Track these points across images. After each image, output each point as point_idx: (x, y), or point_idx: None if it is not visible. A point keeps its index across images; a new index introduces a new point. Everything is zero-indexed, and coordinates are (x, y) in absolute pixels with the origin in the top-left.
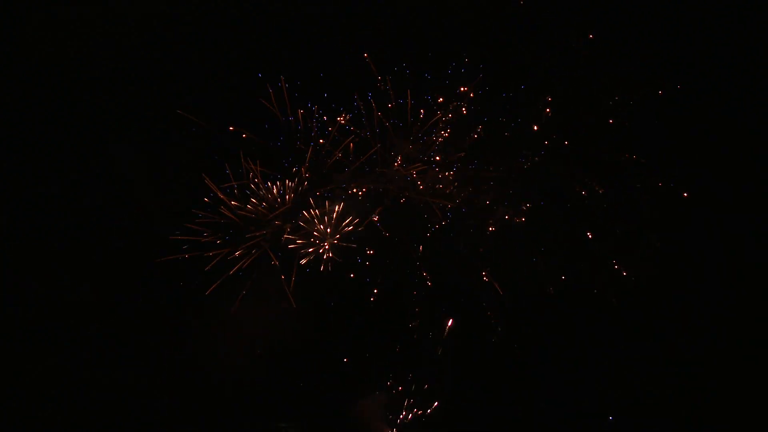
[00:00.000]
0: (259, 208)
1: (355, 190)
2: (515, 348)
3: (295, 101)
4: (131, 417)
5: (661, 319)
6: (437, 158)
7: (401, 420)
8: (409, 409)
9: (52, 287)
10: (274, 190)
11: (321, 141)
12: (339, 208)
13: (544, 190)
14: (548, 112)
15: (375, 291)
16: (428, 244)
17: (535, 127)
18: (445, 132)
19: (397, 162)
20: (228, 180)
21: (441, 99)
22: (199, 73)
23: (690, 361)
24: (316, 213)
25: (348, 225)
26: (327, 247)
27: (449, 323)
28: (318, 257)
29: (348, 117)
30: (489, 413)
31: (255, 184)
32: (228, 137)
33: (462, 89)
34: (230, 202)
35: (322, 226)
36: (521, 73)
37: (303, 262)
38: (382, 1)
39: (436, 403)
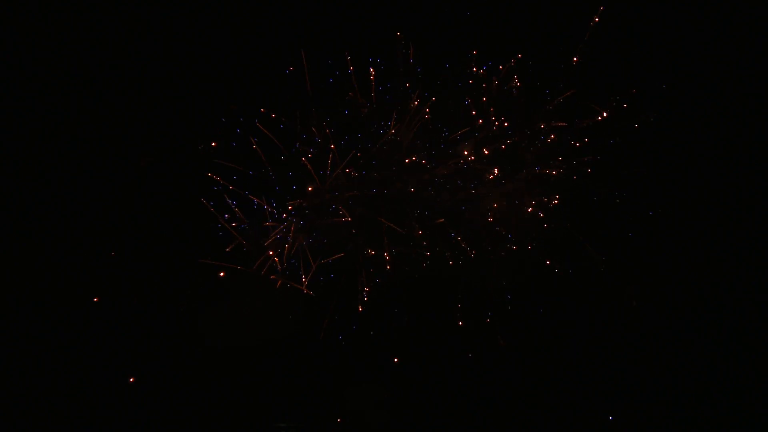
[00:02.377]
0: None
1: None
2: (516, 347)
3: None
4: (130, 417)
5: (660, 318)
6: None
7: (400, 418)
8: (408, 407)
9: (49, 285)
10: None
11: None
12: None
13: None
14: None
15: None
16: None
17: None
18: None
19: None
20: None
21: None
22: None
23: (690, 361)
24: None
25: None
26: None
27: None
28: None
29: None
30: (488, 412)
31: None
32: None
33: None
34: None
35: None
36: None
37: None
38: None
39: (435, 401)
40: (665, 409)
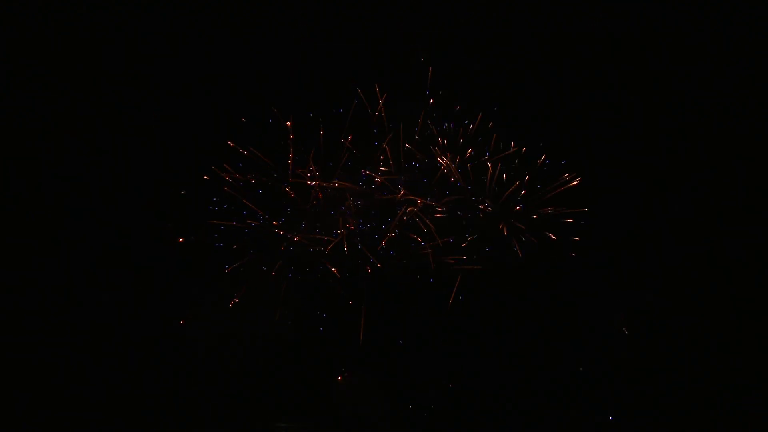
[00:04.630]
0: None
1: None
2: (515, 346)
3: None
4: (130, 418)
5: (660, 318)
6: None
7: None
8: (407, 408)
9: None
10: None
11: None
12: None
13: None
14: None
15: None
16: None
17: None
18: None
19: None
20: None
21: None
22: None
23: (690, 361)
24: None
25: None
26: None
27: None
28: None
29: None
30: (488, 412)
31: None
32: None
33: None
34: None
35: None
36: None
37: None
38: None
39: (433, 401)
40: (665, 409)
